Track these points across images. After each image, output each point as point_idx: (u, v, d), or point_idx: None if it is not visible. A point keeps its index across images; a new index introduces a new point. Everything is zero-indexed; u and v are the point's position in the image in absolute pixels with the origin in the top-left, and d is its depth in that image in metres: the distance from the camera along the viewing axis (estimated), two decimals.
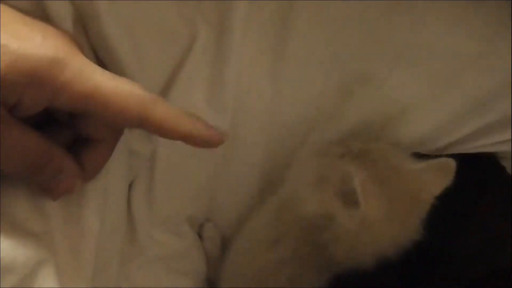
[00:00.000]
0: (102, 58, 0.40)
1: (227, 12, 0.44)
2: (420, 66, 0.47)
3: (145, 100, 0.32)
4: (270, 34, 0.47)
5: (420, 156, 0.48)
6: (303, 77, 0.48)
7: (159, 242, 0.49)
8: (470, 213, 0.43)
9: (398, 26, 0.47)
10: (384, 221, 0.40)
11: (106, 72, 0.32)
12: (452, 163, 0.41)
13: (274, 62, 0.48)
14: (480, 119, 0.48)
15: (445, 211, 0.44)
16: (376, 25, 0.47)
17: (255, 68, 0.48)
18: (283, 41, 0.47)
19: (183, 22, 0.44)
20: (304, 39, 0.47)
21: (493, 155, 0.49)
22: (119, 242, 0.44)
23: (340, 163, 0.43)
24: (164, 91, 0.45)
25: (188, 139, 0.34)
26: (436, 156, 0.47)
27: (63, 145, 0.33)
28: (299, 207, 0.44)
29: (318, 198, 0.42)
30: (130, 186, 0.47)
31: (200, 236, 0.54)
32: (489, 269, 0.42)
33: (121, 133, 0.35)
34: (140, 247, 0.48)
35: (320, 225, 0.42)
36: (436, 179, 0.42)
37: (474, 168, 0.47)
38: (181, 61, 0.45)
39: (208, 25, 0.44)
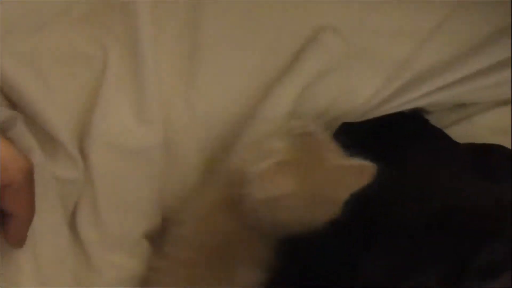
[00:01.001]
0: (9, 96, 0.40)
1: (135, 27, 0.44)
2: (335, 46, 0.49)
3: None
4: (184, 40, 0.48)
5: (351, 127, 0.49)
6: (224, 76, 0.49)
7: (116, 265, 0.49)
8: (402, 165, 0.45)
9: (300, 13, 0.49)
10: (291, 202, 0.42)
11: None
12: (372, 168, 0.42)
13: (192, 66, 0.48)
14: (400, 79, 0.50)
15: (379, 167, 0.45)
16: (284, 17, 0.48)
17: (176, 76, 0.48)
18: (197, 45, 0.48)
19: (92, 44, 0.44)
20: (217, 40, 0.48)
21: (416, 111, 0.51)
22: (68, 273, 0.44)
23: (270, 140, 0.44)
24: (87, 116, 0.45)
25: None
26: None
27: None
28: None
29: (247, 156, 0.44)
30: (74, 213, 0.47)
31: None
32: (427, 213, 0.44)
33: (30, 172, 0.35)
34: (97, 273, 0.47)
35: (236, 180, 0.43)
36: (354, 179, 0.43)
37: (401, 124, 0.49)
38: (99, 83, 0.45)
39: (118, 43, 0.45)
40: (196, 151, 0.51)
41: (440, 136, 0.48)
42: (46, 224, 0.40)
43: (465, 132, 0.51)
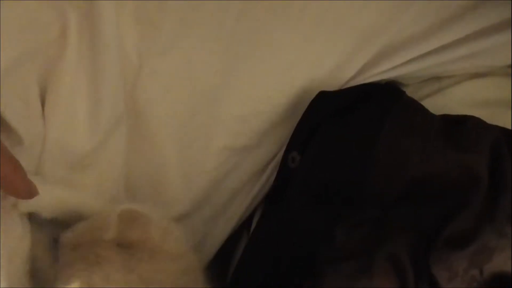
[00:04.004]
0: None
1: None
2: (302, 17, 0.48)
3: None
4: (148, 5, 0.45)
5: (327, 96, 0.48)
6: (191, 44, 0.47)
7: None
8: (375, 138, 0.45)
9: None
10: None
11: None
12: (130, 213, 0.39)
13: (157, 33, 0.46)
14: (372, 48, 0.49)
15: (352, 141, 0.46)
16: None
17: (140, 43, 0.46)
18: (162, 10, 0.46)
19: (52, 11, 0.42)
20: (183, 5, 0.46)
21: (391, 82, 0.51)
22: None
23: None
24: (44, 86, 0.43)
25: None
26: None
27: None
28: None
29: None
30: None
31: None
32: (401, 183, 0.44)
33: None
34: None
35: None
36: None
37: (375, 96, 0.48)
38: (59, 53, 0.43)
39: (78, 12, 0.42)
40: (165, 119, 0.49)
41: (415, 107, 0.48)
42: None
43: (438, 104, 0.51)
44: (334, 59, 0.49)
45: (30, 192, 0.37)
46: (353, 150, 0.45)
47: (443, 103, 0.52)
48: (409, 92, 0.50)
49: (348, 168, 0.45)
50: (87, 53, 0.44)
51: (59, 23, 0.43)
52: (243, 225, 0.54)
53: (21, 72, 0.42)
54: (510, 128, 0.48)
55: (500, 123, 0.48)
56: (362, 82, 0.50)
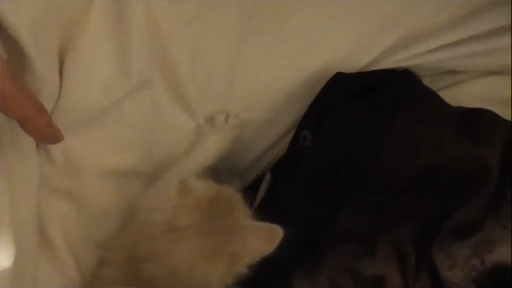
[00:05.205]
0: None
1: None
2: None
3: None
4: None
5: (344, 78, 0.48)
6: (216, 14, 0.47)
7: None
8: (389, 124, 0.45)
9: None
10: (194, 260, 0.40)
11: None
12: (279, 232, 0.41)
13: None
14: (393, 34, 0.50)
15: (366, 125, 0.45)
16: None
17: (171, 12, 0.45)
18: None
19: None
20: None
21: (409, 70, 0.51)
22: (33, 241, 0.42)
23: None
24: (65, 42, 0.43)
25: (25, 124, 0.34)
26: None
27: None
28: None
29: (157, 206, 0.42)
30: None
31: None
32: (412, 171, 0.44)
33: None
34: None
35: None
36: (259, 242, 0.41)
37: (392, 82, 0.48)
38: (84, 9, 0.42)
39: None
40: (195, 85, 0.49)
41: (431, 96, 0.48)
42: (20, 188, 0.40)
43: (452, 98, 0.51)
44: (353, 43, 0.50)
45: (54, 137, 0.37)
46: (366, 134, 0.45)
47: (457, 96, 0.52)
48: (424, 83, 0.51)
49: (360, 151, 0.45)
50: (114, 12, 0.43)
51: None
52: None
53: (44, 26, 0.41)
54: None
55: None
56: (385, 65, 0.50)
